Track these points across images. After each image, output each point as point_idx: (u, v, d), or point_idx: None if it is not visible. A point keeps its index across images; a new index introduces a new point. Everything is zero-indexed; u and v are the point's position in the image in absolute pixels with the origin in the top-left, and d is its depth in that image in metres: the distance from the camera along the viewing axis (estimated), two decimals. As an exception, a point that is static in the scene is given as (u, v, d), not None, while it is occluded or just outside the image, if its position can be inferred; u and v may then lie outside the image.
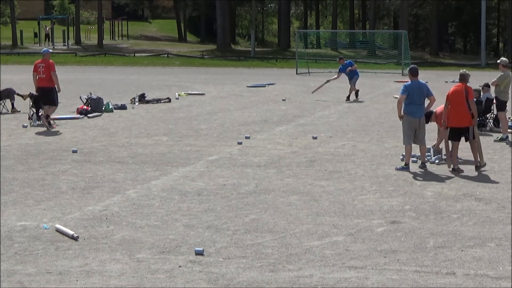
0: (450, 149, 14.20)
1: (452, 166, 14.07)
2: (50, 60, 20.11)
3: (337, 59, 31.53)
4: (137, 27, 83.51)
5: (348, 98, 28.05)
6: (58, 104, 20.52)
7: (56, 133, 18.86)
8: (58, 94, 20.13)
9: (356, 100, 27.56)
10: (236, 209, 11.13)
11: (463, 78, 14.21)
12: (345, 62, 29.22)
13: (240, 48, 73.32)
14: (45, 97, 20.00)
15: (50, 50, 21.24)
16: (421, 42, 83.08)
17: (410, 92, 14.11)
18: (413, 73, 14.32)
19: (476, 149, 14.25)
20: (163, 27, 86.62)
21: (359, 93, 28.46)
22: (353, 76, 28.53)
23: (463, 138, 14.25)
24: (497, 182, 13.11)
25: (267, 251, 9.08)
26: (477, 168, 14.16)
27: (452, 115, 14.09)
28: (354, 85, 28.26)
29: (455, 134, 14.14)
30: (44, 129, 19.60)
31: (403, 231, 9.98)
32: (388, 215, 10.81)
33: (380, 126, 20.30)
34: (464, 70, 14.82)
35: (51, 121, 19.96)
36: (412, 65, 15.14)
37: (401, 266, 8.53)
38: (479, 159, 14.21)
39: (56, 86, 19.84)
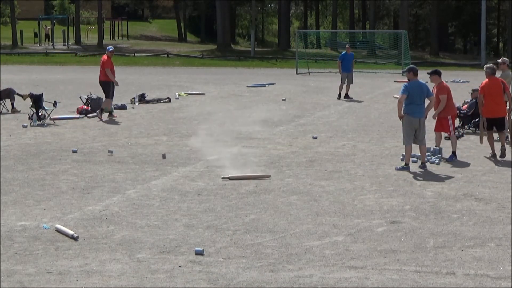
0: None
1: (491, 151, 15.45)
2: (105, 58, 22.13)
3: (346, 45, 31.02)
4: (137, 27, 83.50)
5: (347, 95, 27.88)
6: (112, 97, 22.24)
7: (56, 133, 18.87)
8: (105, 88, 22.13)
9: (350, 100, 27.44)
10: (236, 209, 11.13)
11: (494, 72, 15.50)
12: (351, 53, 28.98)
13: (240, 48, 73.28)
14: (103, 89, 22.10)
15: (111, 49, 22.87)
16: (421, 42, 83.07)
17: (411, 92, 14.12)
18: (415, 73, 14.35)
19: (504, 138, 15.69)
20: (163, 27, 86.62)
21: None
22: (350, 70, 28.25)
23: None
24: (497, 182, 13.12)
25: (267, 251, 9.08)
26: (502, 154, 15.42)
27: (490, 107, 15.27)
28: (351, 83, 28.07)
29: (490, 123, 15.44)
30: (44, 129, 19.62)
31: (403, 231, 9.99)
32: (388, 215, 10.81)
33: (380, 126, 20.30)
34: (491, 63, 16.14)
35: (111, 113, 22.01)
36: (411, 65, 15.21)
37: (401, 266, 8.53)
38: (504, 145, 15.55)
39: (112, 81, 21.92)
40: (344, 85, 28.05)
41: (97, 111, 21.83)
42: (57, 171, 13.99)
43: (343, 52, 29.16)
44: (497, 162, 15.04)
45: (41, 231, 9.87)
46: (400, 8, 64.87)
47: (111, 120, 21.50)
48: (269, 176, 13.26)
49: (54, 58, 55.40)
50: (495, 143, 15.85)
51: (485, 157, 15.61)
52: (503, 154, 15.38)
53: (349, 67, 28.42)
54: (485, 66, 15.86)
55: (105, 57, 22.24)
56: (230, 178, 12.95)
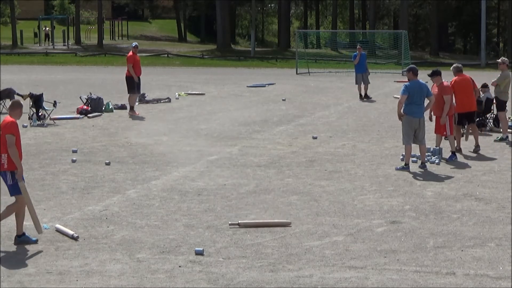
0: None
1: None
2: (130, 54, 22.89)
3: (358, 45, 30.81)
4: (137, 27, 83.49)
5: (366, 95, 27.78)
6: (137, 93, 22.96)
7: (56, 133, 18.87)
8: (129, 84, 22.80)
9: (369, 100, 27.43)
10: (236, 209, 11.14)
11: (461, 70, 16.25)
12: (362, 53, 28.86)
13: (240, 48, 73.23)
14: (127, 85, 22.88)
15: (134, 44, 23.70)
16: (421, 42, 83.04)
17: (411, 92, 14.14)
18: (414, 73, 14.39)
19: (477, 132, 16.42)
20: (163, 27, 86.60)
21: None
22: (365, 70, 28.20)
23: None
24: (497, 182, 13.12)
25: (267, 251, 9.09)
26: (477, 148, 16.09)
27: (463, 101, 15.77)
28: (368, 82, 28.09)
29: (461, 118, 15.89)
30: (44, 129, 19.61)
31: (403, 231, 9.99)
32: (388, 215, 10.82)
33: (380, 126, 20.28)
34: (460, 63, 16.88)
35: (132, 108, 22.59)
36: (411, 65, 15.25)
37: (401, 266, 8.54)
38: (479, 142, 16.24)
39: (133, 76, 22.59)
40: (362, 86, 27.97)
41: (128, 112, 22.51)
42: (57, 171, 13.99)
43: (355, 53, 29.06)
44: (496, 163, 15.03)
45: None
46: (400, 8, 64.84)
47: (111, 120, 21.50)
48: (290, 223, 10.37)
49: (54, 58, 55.35)
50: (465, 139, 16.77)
51: (470, 152, 16.13)
52: (476, 151, 16.10)
53: (363, 67, 28.35)
54: (452, 66, 16.57)
55: (130, 53, 23.03)
56: (239, 225, 10.21)
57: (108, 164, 14.55)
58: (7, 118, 9.46)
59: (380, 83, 35.35)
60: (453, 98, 15.49)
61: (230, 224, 10.15)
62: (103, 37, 67.79)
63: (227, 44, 65.20)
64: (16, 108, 9.60)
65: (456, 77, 16.07)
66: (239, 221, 10.23)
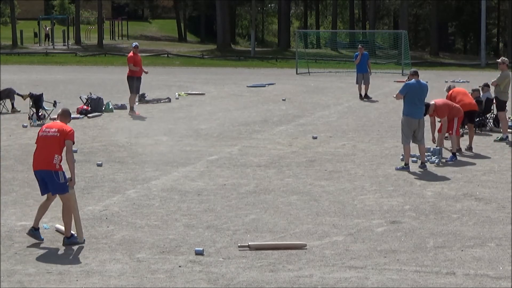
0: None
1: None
2: (130, 54, 22.87)
3: (359, 45, 30.76)
4: (137, 27, 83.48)
5: (366, 95, 27.77)
6: (135, 93, 22.97)
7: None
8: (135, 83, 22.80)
9: (369, 100, 27.42)
10: (236, 209, 11.14)
11: (455, 86, 17.45)
12: (364, 52, 28.82)
13: (240, 48, 73.21)
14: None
15: (134, 44, 23.56)
16: (421, 42, 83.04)
17: (409, 92, 14.19)
18: (412, 73, 14.60)
19: (473, 132, 16.77)
20: (163, 27, 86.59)
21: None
22: (366, 71, 28.19)
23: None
24: (497, 182, 13.12)
25: (267, 251, 9.08)
26: (469, 149, 16.30)
27: (464, 102, 16.23)
28: (368, 83, 28.08)
29: (464, 117, 16.06)
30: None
31: (403, 231, 9.99)
32: (388, 215, 10.82)
33: (380, 126, 20.27)
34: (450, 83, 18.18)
35: (132, 108, 22.71)
36: (412, 69, 15.39)
37: (401, 266, 8.54)
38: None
39: (135, 77, 22.61)
40: (363, 86, 27.96)
41: (128, 112, 22.70)
42: (57, 171, 13.96)
43: (356, 53, 29.03)
44: (496, 163, 15.04)
45: (41, 231, 9.86)
46: (400, 8, 64.84)
47: (111, 120, 21.50)
48: (305, 245, 9.37)
49: (54, 58, 55.35)
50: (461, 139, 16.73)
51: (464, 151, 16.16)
52: (470, 150, 16.39)
53: (364, 67, 28.32)
54: (446, 86, 17.68)
55: (131, 53, 23.05)
56: (250, 247, 9.24)
57: (100, 165, 14.52)
58: (65, 125, 9.66)
59: (380, 83, 35.35)
60: (454, 107, 15.58)
61: (239, 247, 9.27)
62: (103, 37, 67.77)
63: (227, 44, 65.19)
64: (68, 116, 9.93)
65: (453, 89, 16.97)
66: (249, 243, 9.34)
